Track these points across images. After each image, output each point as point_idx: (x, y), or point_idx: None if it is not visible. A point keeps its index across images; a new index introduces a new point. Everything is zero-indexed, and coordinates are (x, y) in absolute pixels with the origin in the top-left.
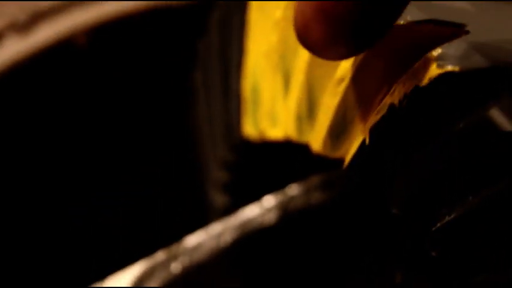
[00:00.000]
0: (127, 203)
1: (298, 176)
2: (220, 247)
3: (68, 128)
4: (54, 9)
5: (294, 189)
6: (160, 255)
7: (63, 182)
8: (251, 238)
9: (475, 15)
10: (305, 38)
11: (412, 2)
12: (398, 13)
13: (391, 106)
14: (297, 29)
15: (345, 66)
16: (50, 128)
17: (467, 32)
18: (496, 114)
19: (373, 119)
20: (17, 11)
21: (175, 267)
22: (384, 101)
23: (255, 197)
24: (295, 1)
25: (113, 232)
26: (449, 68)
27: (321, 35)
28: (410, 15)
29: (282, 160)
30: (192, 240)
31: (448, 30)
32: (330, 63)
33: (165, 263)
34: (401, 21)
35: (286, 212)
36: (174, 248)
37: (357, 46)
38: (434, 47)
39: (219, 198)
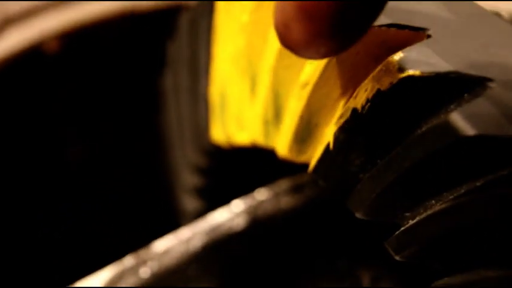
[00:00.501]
0: (96, 207)
1: (267, 180)
2: (189, 252)
3: (38, 133)
4: (25, 14)
5: (262, 194)
6: (129, 260)
7: (30, 186)
8: (220, 243)
9: (438, 19)
10: (285, 37)
11: None
12: (379, 11)
13: (354, 110)
14: (277, 28)
15: (310, 70)
16: (19, 133)
17: (429, 36)
18: (457, 119)
19: (337, 123)
20: None
21: (144, 271)
22: (347, 105)
23: (226, 200)
24: (274, 1)
25: (82, 237)
26: (410, 72)
27: (301, 35)
28: None
29: (251, 164)
30: (161, 244)
31: (410, 34)
32: (295, 67)
33: (134, 268)
34: None
35: (255, 217)
36: (143, 253)
37: (338, 45)
38: (396, 51)
39: (189, 202)
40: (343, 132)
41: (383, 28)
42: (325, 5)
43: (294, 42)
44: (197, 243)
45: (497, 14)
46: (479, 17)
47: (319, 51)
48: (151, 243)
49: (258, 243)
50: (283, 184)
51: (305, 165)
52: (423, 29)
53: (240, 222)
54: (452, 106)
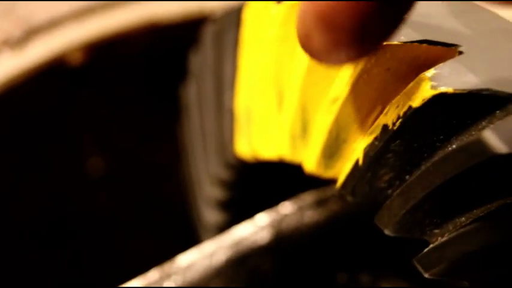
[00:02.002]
0: (118, 219)
1: (290, 193)
2: (213, 266)
3: (60, 143)
4: (48, 25)
5: (286, 207)
6: (153, 274)
7: (51, 196)
8: (244, 257)
9: (468, 35)
10: (307, 46)
11: (406, 23)
12: (399, 21)
13: (385, 127)
14: (299, 38)
15: (339, 86)
16: (41, 143)
17: (461, 53)
18: (490, 136)
19: (367, 139)
20: (11, 27)
21: (169, 285)
22: (377, 121)
23: (249, 214)
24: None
25: (106, 251)
26: (443, 89)
27: (322, 44)
28: (404, 35)
29: (274, 177)
30: (185, 259)
31: (441, 51)
32: (324, 83)
33: (159, 282)
34: (395, 41)
35: (279, 230)
36: (167, 267)
37: (358, 52)
38: (428, 68)
39: (212, 215)
40: (373, 148)
41: (414, 44)
42: (344, 15)
43: (315, 51)
44: (221, 257)
45: None
46: (507, 31)
47: (340, 58)
48: (176, 257)
49: (282, 257)
50: (307, 198)
51: (329, 179)
52: (455, 45)
53: (263, 236)
54: (484, 123)
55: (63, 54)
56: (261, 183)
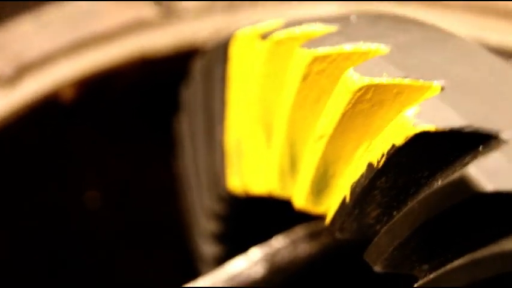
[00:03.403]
0: (115, 251)
1: (284, 226)
2: None
3: (56, 178)
4: (40, 62)
5: (280, 241)
6: None
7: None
8: None
9: (451, 71)
10: None
11: (387, 58)
12: None
13: (370, 164)
14: None
15: (324, 123)
16: (37, 179)
17: (443, 89)
18: (474, 174)
19: (353, 176)
20: (2, 64)
21: None
22: (363, 158)
23: (245, 246)
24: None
25: (105, 281)
26: (425, 127)
27: None
28: (387, 72)
29: (268, 210)
30: None
31: (424, 87)
32: (310, 119)
33: None
34: (379, 79)
35: (273, 264)
36: None
37: None
38: (411, 104)
39: (208, 248)
40: (360, 185)
41: (397, 81)
42: None
43: None
44: None
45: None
46: (491, 66)
47: None
48: None
49: None
50: (300, 231)
51: (319, 215)
52: (437, 82)
53: (258, 270)
54: (468, 158)
55: (56, 90)
56: (255, 216)
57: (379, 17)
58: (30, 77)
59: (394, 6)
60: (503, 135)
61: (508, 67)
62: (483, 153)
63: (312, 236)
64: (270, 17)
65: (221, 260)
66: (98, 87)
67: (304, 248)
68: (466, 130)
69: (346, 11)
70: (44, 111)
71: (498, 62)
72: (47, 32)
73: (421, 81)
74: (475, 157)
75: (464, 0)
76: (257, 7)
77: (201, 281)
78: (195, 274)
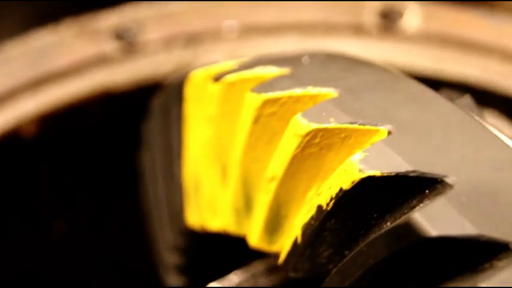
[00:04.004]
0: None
1: (245, 258)
2: None
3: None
4: (1, 98)
5: (239, 275)
6: None
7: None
8: None
9: (397, 113)
10: None
11: (335, 103)
12: None
13: (319, 207)
14: None
15: (275, 165)
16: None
17: (389, 133)
18: (418, 219)
19: (304, 217)
20: None
21: None
22: (312, 201)
23: (207, 278)
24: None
25: None
26: (371, 172)
27: None
28: (334, 117)
29: (228, 244)
30: None
31: (371, 132)
32: (262, 160)
33: None
34: (326, 124)
35: None
36: None
37: None
38: (357, 149)
39: (171, 279)
40: (310, 227)
41: (344, 126)
42: None
43: None
44: None
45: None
46: (439, 110)
47: None
48: None
49: None
50: (260, 265)
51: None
52: (383, 127)
53: None
54: (414, 202)
55: (18, 126)
56: (215, 249)
57: (331, 59)
58: None
59: (352, 38)
60: (448, 180)
61: (454, 109)
62: (429, 197)
63: (272, 270)
64: (230, 53)
65: None
66: (60, 122)
67: (264, 282)
68: (411, 175)
69: (300, 51)
70: (6, 146)
71: (445, 105)
72: (7, 68)
73: (368, 126)
74: (421, 201)
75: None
76: (218, 42)
77: None
78: None
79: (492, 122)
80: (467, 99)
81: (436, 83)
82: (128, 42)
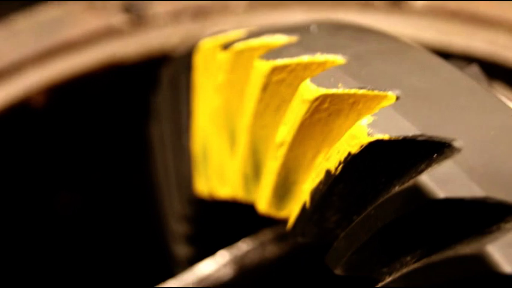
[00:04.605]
0: (87, 256)
1: (253, 227)
2: None
3: (29, 184)
4: (9, 69)
5: (248, 243)
6: None
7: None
8: None
9: (405, 79)
10: None
11: (344, 69)
12: None
13: (328, 172)
14: None
15: (284, 131)
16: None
17: (398, 98)
18: (426, 182)
19: (312, 182)
20: None
21: None
22: (321, 166)
23: (216, 247)
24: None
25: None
26: (379, 136)
27: None
28: (342, 82)
29: (237, 212)
30: None
31: (379, 97)
32: (271, 127)
33: None
34: (335, 89)
35: (241, 266)
36: None
37: None
38: (366, 114)
39: (180, 249)
40: (318, 192)
41: (352, 91)
42: None
43: None
44: None
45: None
46: (446, 76)
47: None
48: None
49: None
50: (268, 233)
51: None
52: (392, 91)
53: (227, 272)
54: (422, 166)
55: (26, 97)
56: (224, 218)
57: (339, 27)
58: (1, 85)
59: (360, 12)
60: (456, 144)
61: (462, 76)
62: (437, 161)
63: (280, 238)
64: (237, 26)
65: (193, 261)
66: (68, 94)
67: (273, 250)
68: (419, 139)
69: (308, 20)
70: (16, 117)
71: (453, 72)
72: (16, 41)
73: (376, 91)
74: (429, 165)
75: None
76: (225, 15)
77: (168, 284)
78: (170, 276)
79: (499, 91)
80: (474, 68)
81: (443, 56)
82: (136, 15)
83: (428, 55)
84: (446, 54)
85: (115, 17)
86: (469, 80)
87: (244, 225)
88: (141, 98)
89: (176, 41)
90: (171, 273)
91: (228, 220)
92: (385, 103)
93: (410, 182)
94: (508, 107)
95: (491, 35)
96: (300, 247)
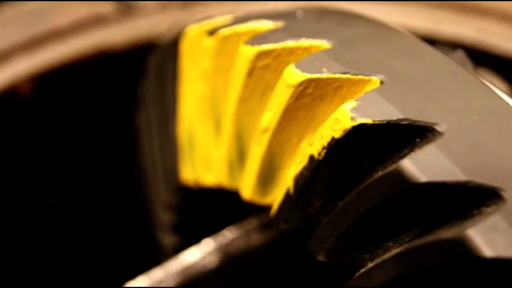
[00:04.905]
0: (74, 245)
1: (238, 215)
2: None
3: (15, 174)
4: None
5: (233, 232)
6: None
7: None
8: (193, 282)
9: (389, 64)
10: None
11: (328, 54)
12: None
13: (311, 157)
14: None
15: (268, 117)
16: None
17: (382, 83)
18: (408, 166)
19: (296, 168)
20: None
21: None
22: (305, 151)
23: (202, 236)
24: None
25: (59, 275)
26: (362, 120)
27: None
28: (326, 67)
29: (222, 201)
30: (134, 286)
31: (363, 81)
32: (256, 113)
33: None
34: (319, 74)
35: (226, 254)
36: None
37: None
38: (350, 99)
39: (166, 238)
40: (302, 177)
41: (336, 76)
42: None
43: None
44: (170, 283)
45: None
46: (431, 60)
47: None
48: (124, 286)
49: (231, 280)
50: (253, 221)
51: (266, 206)
52: (376, 76)
53: (212, 260)
54: (405, 151)
55: (13, 86)
56: (209, 207)
57: (325, 13)
58: None
59: (348, 1)
60: (439, 128)
61: (446, 61)
62: (420, 145)
63: (265, 226)
64: (226, 14)
65: (178, 250)
66: (56, 82)
67: (258, 238)
68: (402, 123)
69: (294, 7)
70: (2, 105)
71: (439, 56)
72: (3, 29)
73: (360, 76)
74: (412, 150)
75: None
76: (214, 4)
77: (153, 273)
78: (155, 264)
79: (485, 77)
80: (460, 54)
81: (430, 43)
82: (124, 4)
83: (414, 40)
84: (434, 41)
85: (103, 5)
86: (454, 65)
87: (230, 213)
88: (128, 86)
89: (164, 29)
90: (157, 262)
91: (213, 209)
92: (369, 87)
93: (393, 167)
94: (493, 91)
95: (481, 22)
96: (285, 235)
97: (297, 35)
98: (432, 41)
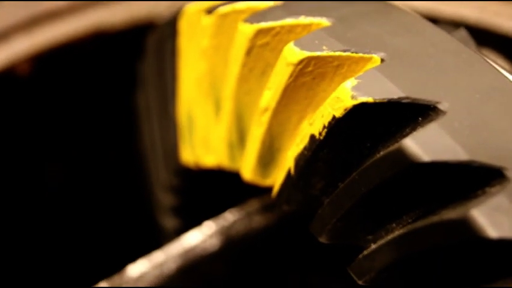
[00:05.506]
0: (75, 227)
1: (239, 197)
2: (164, 275)
3: (15, 154)
4: None
5: (234, 214)
6: (103, 285)
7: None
8: (194, 265)
9: (391, 42)
10: None
11: (328, 31)
12: None
13: (312, 136)
14: None
15: (268, 96)
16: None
17: (383, 60)
18: (411, 145)
19: (297, 148)
20: None
21: None
22: (305, 131)
23: (203, 218)
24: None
25: (59, 257)
26: (363, 99)
27: None
28: (327, 45)
29: (224, 182)
30: (135, 269)
31: (364, 60)
32: (255, 93)
33: None
34: (319, 51)
35: (228, 237)
36: (117, 278)
37: None
38: (350, 77)
39: (166, 220)
40: (303, 157)
41: (337, 54)
42: None
43: None
44: (171, 266)
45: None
46: (432, 38)
47: None
48: (126, 268)
49: (232, 263)
50: (254, 204)
51: (267, 187)
52: (377, 54)
53: (213, 243)
54: (408, 130)
55: (12, 66)
56: (210, 189)
57: None
58: None
59: None
60: (441, 106)
61: (448, 38)
62: (422, 124)
63: (267, 208)
64: None
65: (179, 232)
66: (54, 62)
67: (259, 220)
68: (404, 101)
69: None
70: (1, 85)
71: (440, 34)
72: (1, 11)
73: (361, 54)
74: (414, 129)
75: None
76: None
77: (155, 255)
78: (156, 247)
79: (488, 57)
80: (462, 32)
81: (432, 22)
82: None
83: (415, 17)
84: (435, 21)
85: None
86: (456, 42)
87: (231, 195)
88: (127, 66)
89: (163, 8)
90: (158, 245)
91: (214, 190)
92: (370, 66)
93: (395, 146)
94: (496, 69)
95: (482, 1)
96: (286, 217)
97: (296, 13)
98: (434, 20)
